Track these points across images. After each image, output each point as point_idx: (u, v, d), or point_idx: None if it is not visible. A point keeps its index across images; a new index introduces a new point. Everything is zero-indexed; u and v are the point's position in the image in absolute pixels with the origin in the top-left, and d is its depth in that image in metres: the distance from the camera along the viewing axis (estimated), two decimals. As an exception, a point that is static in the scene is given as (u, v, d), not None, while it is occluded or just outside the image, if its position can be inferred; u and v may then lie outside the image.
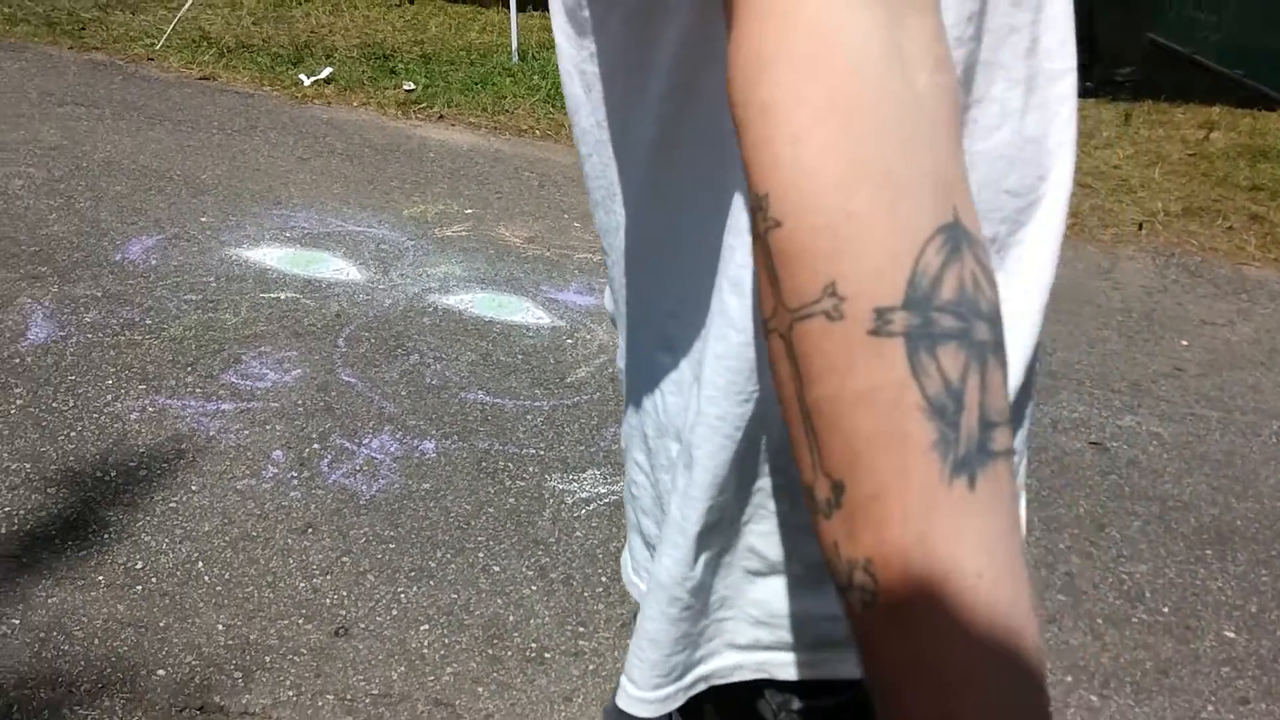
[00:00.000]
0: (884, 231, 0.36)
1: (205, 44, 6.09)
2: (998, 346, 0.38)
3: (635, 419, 0.69)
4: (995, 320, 0.38)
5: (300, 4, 7.46)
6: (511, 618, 2.09)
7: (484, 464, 2.53)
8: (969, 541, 0.35)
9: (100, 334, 2.91)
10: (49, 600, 2.04)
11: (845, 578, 0.37)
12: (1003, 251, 0.59)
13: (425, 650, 2.00)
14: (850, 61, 0.38)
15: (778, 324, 0.39)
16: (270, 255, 3.48)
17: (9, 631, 1.96)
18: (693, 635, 0.65)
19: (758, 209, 0.39)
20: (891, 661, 0.36)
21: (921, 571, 0.35)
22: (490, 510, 2.39)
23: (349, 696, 1.89)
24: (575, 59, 0.62)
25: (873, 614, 0.37)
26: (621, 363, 0.72)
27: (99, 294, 3.11)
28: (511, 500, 2.42)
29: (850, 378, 0.36)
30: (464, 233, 3.80)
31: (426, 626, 2.05)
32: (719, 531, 0.62)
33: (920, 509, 0.35)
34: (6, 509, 2.25)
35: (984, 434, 0.36)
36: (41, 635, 1.96)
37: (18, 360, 2.74)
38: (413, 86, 5.62)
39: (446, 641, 2.02)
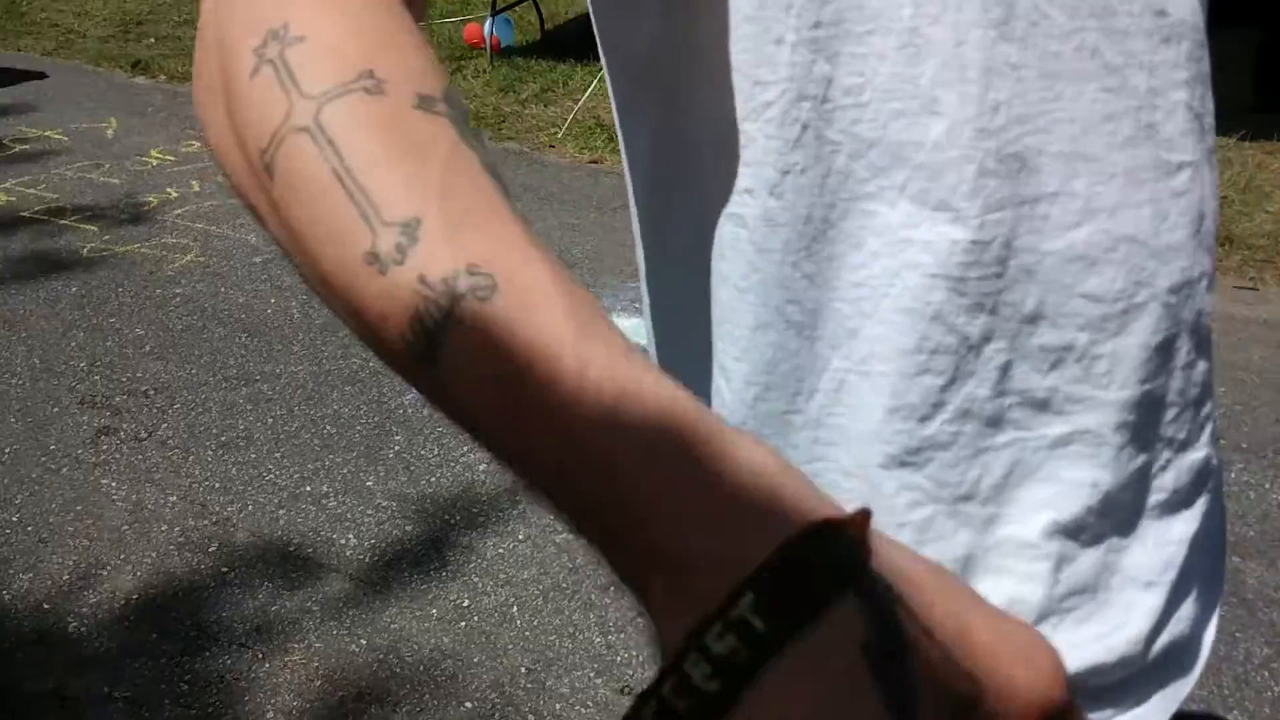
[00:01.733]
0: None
1: (598, 130, 6.69)
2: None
3: None
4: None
5: (688, 89, 8.00)
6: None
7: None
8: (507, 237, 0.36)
9: (468, 392, 3.28)
10: (391, 625, 2.32)
11: (446, 297, 0.33)
12: (1085, 362, 0.54)
13: (701, 721, 2.02)
14: None
15: (297, 117, 0.36)
16: (618, 325, 3.73)
17: (358, 650, 2.26)
18: None
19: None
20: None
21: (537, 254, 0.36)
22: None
23: (625, 755, 1.96)
24: None
25: (498, 300, 0.33)
26: None
27: (473, 356, 3.52)
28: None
29: (401, 136, 0.36)
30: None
31: (705, 697, 2.08)
32: None
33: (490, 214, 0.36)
34: (372, 541, 2.60)
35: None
36: (380, 656, 2.23)
37: (402, 411, 3.17)
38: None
39: (723, 715, 2.03)
